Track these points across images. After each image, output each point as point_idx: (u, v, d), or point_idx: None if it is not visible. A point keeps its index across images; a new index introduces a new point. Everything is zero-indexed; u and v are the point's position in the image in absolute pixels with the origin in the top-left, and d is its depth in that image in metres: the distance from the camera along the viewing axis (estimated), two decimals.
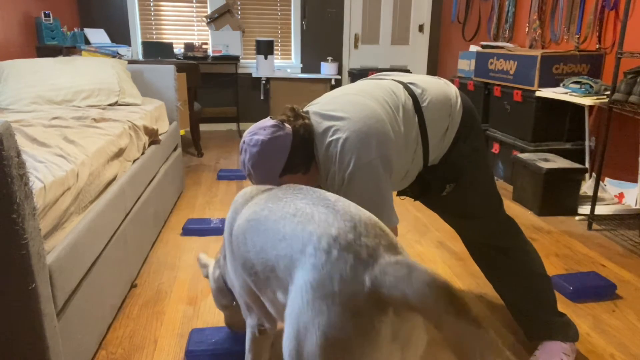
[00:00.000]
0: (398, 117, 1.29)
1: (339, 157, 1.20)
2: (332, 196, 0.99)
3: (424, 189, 1.44)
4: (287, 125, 1.24)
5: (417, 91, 1.35)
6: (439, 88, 1.38)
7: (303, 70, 5.20)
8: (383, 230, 0.89)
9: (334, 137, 1.22)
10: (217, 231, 2.42)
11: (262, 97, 5.18)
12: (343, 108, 1.26)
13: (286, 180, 1.24)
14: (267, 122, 1.25)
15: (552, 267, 2.13)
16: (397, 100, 1.31)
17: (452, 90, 1.41)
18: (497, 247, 1.54)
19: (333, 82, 5.03)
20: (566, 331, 1.49)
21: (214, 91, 5.06)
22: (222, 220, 2.51)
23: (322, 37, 5.17)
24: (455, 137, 1.37)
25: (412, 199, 1.54)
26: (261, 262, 0.97)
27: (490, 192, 1.53)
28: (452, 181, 1.41)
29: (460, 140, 1.38)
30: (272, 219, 0.98)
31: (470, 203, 1.48)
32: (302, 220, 0.92)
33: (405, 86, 1.36)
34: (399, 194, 1.52)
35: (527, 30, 3.78)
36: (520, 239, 1.55)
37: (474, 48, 4.07)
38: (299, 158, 1.23)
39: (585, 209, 2.72)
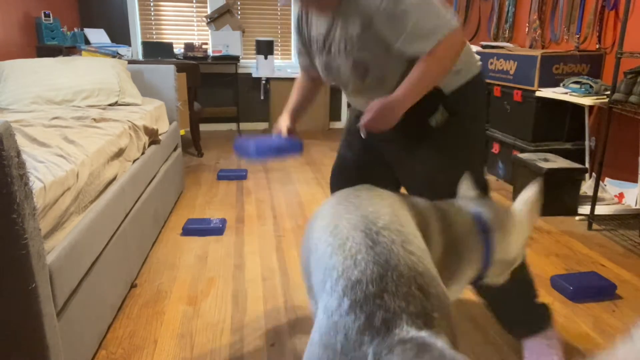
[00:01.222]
0: None
1: None
2: (383, 218, 0.82)
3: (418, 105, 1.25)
4: None
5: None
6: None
7: None
8: (422, 291, 0.71)
9: None
10: (217, 231, 2.42)
11: (262, 97, 5.18)
12: None
13: None
14: None
15: (552, 267, 2.13)
16: None
17: (476, 55, 1.39)
18: None
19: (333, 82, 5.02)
20: (541, 322, 1.44)
21: (214, 91, 5.06)
22: (222, 220, 2.51)
23: None
24: (469, 86, 1.31)
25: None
26: (305, 273, 0.91)
27: (475, 169, 1.35)
28: (447, 112, 1.29)
29: (470, 92, 1.31)
30: (317, 227, 0.87)
31: (449, 165, 1.32)
32: (333, 244, 0.79)
33: None
34: None
35: (527, 30, 3.78)
36: None
37: (474, 48, 4.07)
38: None
39: (585, 209, 2.72)
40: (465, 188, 1.25)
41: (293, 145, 1.46)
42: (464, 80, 1.32)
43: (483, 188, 1.38)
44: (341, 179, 1.58)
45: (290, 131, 1.48)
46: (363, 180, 1.35)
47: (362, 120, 1.23)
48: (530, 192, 1.26)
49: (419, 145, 1.35)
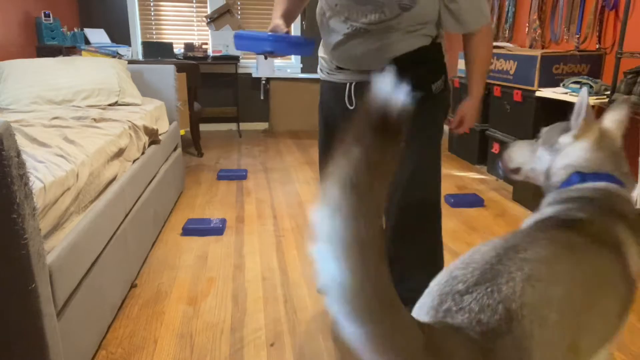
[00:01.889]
0: None
1: None
2: (529, 253, 0.74)
3: (427, 59, 1.34)
4: None
5: None
6: None
7: (303, 70, 5.20)
8: (508, 312, 0.65)
9: None
10: (217, 231, 2.42)
11: (262, 97, 5.18)
12: None
13: None
14: None
15: None
16: None
17: None
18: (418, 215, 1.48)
19: None
20: None
21: (214, 91, 5.06)
22: (222, 220, 2.51)
23: None
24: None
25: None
26: None
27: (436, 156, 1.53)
28: (444, 83, 1.38)
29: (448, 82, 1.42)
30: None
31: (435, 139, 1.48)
32: (466, 255, 0.77)
33: None
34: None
35: (527, 30, 3.78)
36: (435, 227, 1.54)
37: None
38: None
39: None
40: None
41: (308, 42, 1.40)
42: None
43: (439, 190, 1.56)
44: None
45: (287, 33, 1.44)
46: None
47: (458, 128, 1.49)
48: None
49: (417, 116, 1.34)
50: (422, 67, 1.32)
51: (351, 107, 1.42)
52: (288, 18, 1.49)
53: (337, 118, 1.50)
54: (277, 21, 1.42)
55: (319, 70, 1.55)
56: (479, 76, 1.40)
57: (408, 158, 1.40)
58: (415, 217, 1.48)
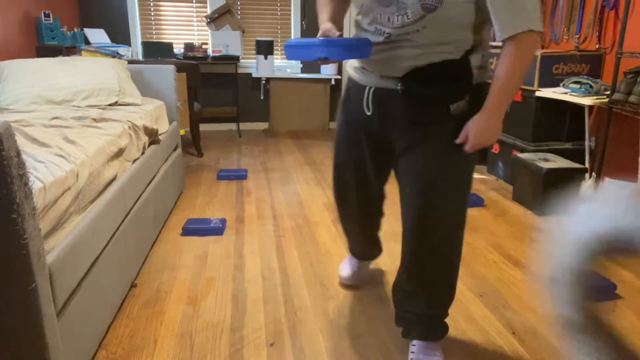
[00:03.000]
0: None
1: None
2: None
3: (443, 81, 1.23)
4: None
5: None
6: None
7: (303, 70, 5.20)
8: None
9: None
10: (217, 231, 2.42)
11: (262, 97, 5.18)
12: None
13: None
14: None
15: None
16: None
17: None
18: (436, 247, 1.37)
19: (333, 82, 5.03)
20: (443, 331, 1.50)
21: (214, 91, 5.06)
22: (222, 220, 2.51)
23: None
24: (485, 84, 1.27)
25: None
26: None
27: (467, 183, 1.34)
28: (467, 103, 1.23)
29: (485, 91, 1.25)
30: None
31: (455, 162, 1.28)
32: None
33: None
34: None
35: None
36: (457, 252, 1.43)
37: None
38: None
39: None
40: None
41: (365, 43, 1.27)
42: (486, 78, 1.29)
43: (468, 189, 1.35)
44: (353, 173, 1.53)
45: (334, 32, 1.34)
46: (363, 177, 1.46)
47: (464, 144, 1.23)
48: None
49: (435, 137, 1.28)
50: (441, 83, 1.23)
51: (368, 113, 1.37)
52: (336, 20, 1.42)
53: (357, 118, 1.43)
54: (327, 25, 1.34)
55: (348, 66, 1.49)
56: (497, 87, 1.20)
57: (424, 198, 1.29)
58: (430, 269, 1.40)
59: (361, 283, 1.95)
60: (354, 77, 1.43)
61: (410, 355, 1.47)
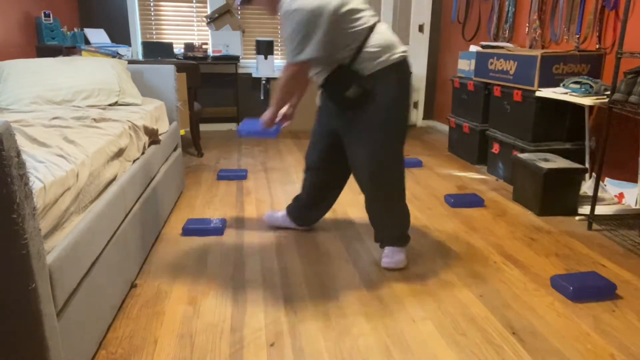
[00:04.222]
0: (354, 15, 1.79)
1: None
2: None
3: (335, 82, 1.85)
4: None
5: (379, 25, 1.87)
6: (396, 40, 1.87)
7: None
8: None
9: None
10: (217, 231, 2.42)
11: (262, 97, 5.17)
12: None
13: None
14: None
15: (552, 267, 2.13)
16: (365, 10, 1.83)
17: (401, 48, 1.86)
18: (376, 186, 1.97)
19: None
20: (405, 241, 2.10)
21: (214, 91, 5.06)
22: (222, 220, 2.51)
23: None
24: (386, 71, 1.80)
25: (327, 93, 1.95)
26: None
27: (391, 122, 1.85)
28: (360, 88, 1.79)
29: (391, 79, 1.80)
30: None
31: (369, 119, 1.85)
32: None
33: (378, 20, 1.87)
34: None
35: (527, 30, 3.78)
36: (398, 190, 1.99)
37: (474, 48, 4.07)
38: None
39: (585, 209, 2.72)
40: None
41: (273, 131, 2.14)
42: (381, 66, 1.80)
43: (399, 164, 1.92)
44: (315, 149, 2.19)
45: (287, 116, 2.21)
46: (330, 147, 2.13)
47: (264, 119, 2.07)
48: None
49: (354, 129, 1.88)
50: (333, 82, 1.88)
51: (318, 104, 2.17)
52: (292, 102, 2.21)
53: (320, 108, 2.19)
54: (284, 110, 2.19)
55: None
56: (276, 95, 1.93)
57: (363, 144, 1.89)
58: (380, 187, 1.96)
59: (277, 229, 2.49)
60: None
61: (383, 255, 2.11)
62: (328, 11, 1.72)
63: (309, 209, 2.37)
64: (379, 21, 1.88)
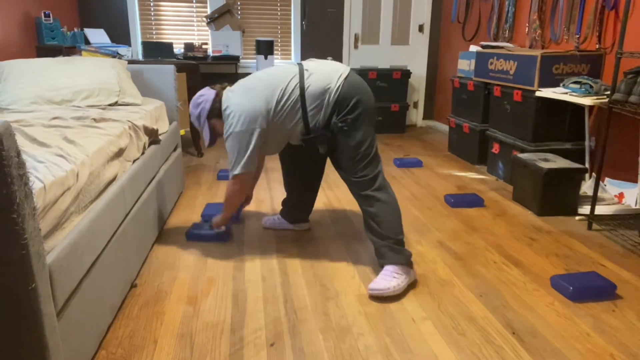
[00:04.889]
0: (284, 99, 1.92)
1: (226, 122, 1.97)
2: None
3: (307, 147, 2.07)
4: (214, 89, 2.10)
5: (306, 76, 1.93)
6: (324, 75, 1.92)
7: None
8: None
9: (227, 109, 1.97)
10: (223, 236, 2.41)
11: None
12: (241, 91, 1.97)
13: (213, 122, 2.08)
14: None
15: (552, 267, 2.13)
16: (288, 85, 1.93)
17: (336, 78, 1.92)
18: (362, 193, 2.00)
19: None
20: (398, 257, 1.94)
21: None
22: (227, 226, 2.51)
23: (322, 37, 5.18)
24: (331, 113, 1.91)
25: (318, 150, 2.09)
26: None
27: (360, 154, 1.94)
28: (323, 143, 1.95)
29: (334, 115, 1.91)
30: None
31: (343, 159, 1.97)
32: None
33: (301, 72, 1.94)
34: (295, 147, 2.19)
35: (527, 30, 3.78)
36: (380, 192, 1.98)
37: (474, 48, 4.07)
38: (216, 110, 2.06)
39: (585, 209, 2.72)
40: None
41: (222, 236, 2.35)
42: (330, 109, 1.91)
43: (374, 165, 1.97)
44: (296, 172, 2.35)
45: (247, 198, 2.53)
46: (310, 163, 2.31)
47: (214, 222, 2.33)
48: None
49: (333, 151, 2.01)
50: (307, 149, 2.20)
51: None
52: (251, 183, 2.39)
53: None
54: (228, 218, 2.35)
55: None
56: (224, 203, 2.19)
57: (338, 160, 2.01)
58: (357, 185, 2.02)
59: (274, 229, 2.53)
60: None
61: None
62: (258, 129, 1.93)
63: (297, 205, 2.44)
64: (303, 68, 1.96)
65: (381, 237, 1.95)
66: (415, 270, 2.04)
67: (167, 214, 2.62)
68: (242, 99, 1.94)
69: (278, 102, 1.92)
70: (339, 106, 1.90)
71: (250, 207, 2.82)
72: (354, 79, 1.94)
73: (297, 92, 1.92)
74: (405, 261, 1.93)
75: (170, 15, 4.86)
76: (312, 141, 1.98)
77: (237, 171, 1.98)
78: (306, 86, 1.91)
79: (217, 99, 2.05)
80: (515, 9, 3.93)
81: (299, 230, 2.50)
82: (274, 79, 1.95)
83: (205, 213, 2.57)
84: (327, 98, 1.90)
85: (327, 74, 1.93)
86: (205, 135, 2.10)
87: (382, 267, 1.97)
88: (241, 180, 2.01)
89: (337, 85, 1.91)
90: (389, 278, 1.89)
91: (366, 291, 1.91)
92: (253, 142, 1.93)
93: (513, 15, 3.95)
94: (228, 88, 2.07)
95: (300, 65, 1.99)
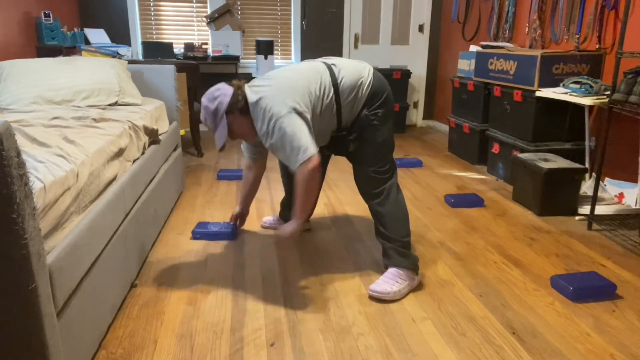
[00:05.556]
0: (320, 92, 1.80)
1: (266, 113, 1.73)
2: None
3: (335, 145, 1.97)
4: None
5: (336, 71, 1.85)
6: (353, 69, 1.87)
7: None
8: None
9: (262, 100, 1.75)
10: (228, 235, 2.41)
11: None
12: (272, 82, 1.80)
13: (231, 118, 1.83)
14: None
15: (552, 267, 2.13)
16: (322, 79, 1.82)
17: (366, 72, 1.88)
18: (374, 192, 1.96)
19: None
20: (403, 260, 1.91)
21: None
22: (227, 224, 2.51)
23: (322, 37, 5.18)
24: (362, 107, 1.86)
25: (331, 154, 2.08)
26: None
27: (385, 149, 1.92)
28: (354, 140, 1.89)
29: (365, 109, 1.86)
30: None
31: (367, 153, 1.91)
32: None
33: (329, 67, 1.86)
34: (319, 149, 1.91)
35: (527, 30, 3.78)
36: (393, 190, 1.96)
37: (474, 48, 4.07)
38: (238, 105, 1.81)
39: (585, 209, 2.72)
40: None
41: (230, 233, 2.37)
42: (359, 107, 1.87)
43: (391, 164, 1.95)
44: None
45: (243, 216, 2.39)
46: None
47: (279, 233, 1.86)
48: None
49: (353, 153, 1.95)
50: (335, 147, 1.99)
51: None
52: (247, 200, 2.36)
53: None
54: (238, 208, 2.39)
55: None
56: (296, 201, 1.79)
57: (360, 155, 1.94)
58: (370, 185, 1.98)
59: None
60: None
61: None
62: (305, 109, 1.76)
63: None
64: (328, 64, 1.88)
65: (388, 238, 1.92)
66: (420, 276, 2.01)
67: (167, 214, 2.62)
68: (277, 88, 1.76)
69: (316, 96, 1.80)
70: (370, 100, 1.86)
71: (250, 207, 2.82)
72: (378, 75, 1.92)
73: (330, 87, 1.83)
74: (410, 266, 1.91)
75: (170, 15, 4.86)
76: (342, 139, 1.91)
77: (307, 153, 1.68)
78: (339, 80, 1.83)
79: (239, 93, 1.81)
80: (515, 9, 3.93)
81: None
82: (305, 72, 1.83)
83: (198, 230, 2.42)
84: (360, 92, 1.85)
85: (355, 68, 1.87)
86: (219, 134, 1.83)
87: (386, 268, 1.95)
88: (314, 162, 1.69)
89: (369, 79, 1.86)
90: (392, 282, 1.87)
91: (366, 291, 1.91)
92: (306, 119, 1.73)
93: (513, 15, 3.95)
94: (247, 84, 1.89)
95: (323, 62, 1.90)
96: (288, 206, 2.45)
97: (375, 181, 1.94)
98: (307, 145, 1.68)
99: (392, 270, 1.91)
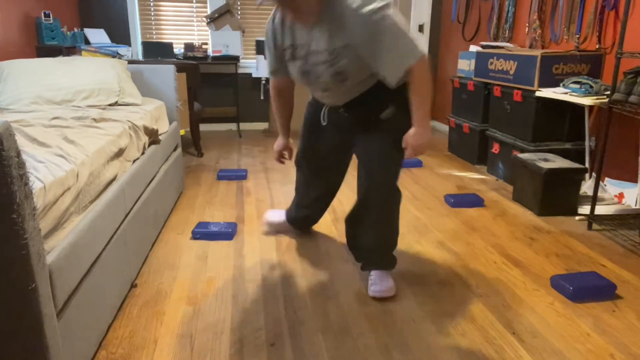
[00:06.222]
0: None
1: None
2: None
3: (367, 102, 1.77)
4: None
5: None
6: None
7: None
8: None
9: None
10: (227, 235, 2.41)
11: (262, 97, 5.18)
12: None
13: None
14: None
15: (552, 267, 2.13)
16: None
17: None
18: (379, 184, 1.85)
19: None
20: (394, 263, 1.97)
21: (214, 91, 5.06)
22: (233, 225, 2.51)
23: None
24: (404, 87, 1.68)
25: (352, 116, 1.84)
26: None
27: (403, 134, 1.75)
28: (394, 109, 1.74)
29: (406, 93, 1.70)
30: None
31: (395, 127, 1.76)
32: None
33: None
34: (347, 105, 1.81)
35: (527, 30, 3.78)
36: (398, 191, 1.90)
37: (474, 48, 4.07)
38: None
39: (585, 209, 2.72)
40: None
41: (228, 233, 2.36)
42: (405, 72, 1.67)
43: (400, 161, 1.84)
44: (314, 158, 2.13)
45: (289, 148, 2.22)
46: (331, 158, 2.08)
47: (408, 154, 1.70)
48: None
49: (376, 130, 1.79)
50: (368, 104, 1.77)
51: (324, 123, 1.98)
52: (287, 126, 2.21)
53: (315, 122, 2.03)
54: (280, 143, 2.22)
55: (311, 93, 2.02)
56: (416, 107, 1.66)
57: (374, 150, 1.81)
58: (376, 195, 1.87)
59: (277, 234, 2.46)
60: (314, 100, 2.03)
61: (370, 281, 1.91)
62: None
63: (304, 220, 2.39)
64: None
65: (377, 243, 1.93)
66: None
67: (167, 214, 2.62)
68: None
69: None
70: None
71: (251, 207, 2.82)
72: None
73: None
74: (392, 267, 1.98)
75: (170, 15, 4.86)
76: (379, 97, 1.71)
77: (421, 51, 1.55)
78: None
79: None
80: (515, 9, 3.93)
81: (298, 231, 2.50)
82: None
83: (197, 230, 2.42)
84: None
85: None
86: None
87: (368, 271, 1.98)
88: (426, 61, 1.56)
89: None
90: (386, 278, 1.91)
91: (366, 291, 1.91)
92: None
93: (513, 15, 3.95)
94: None
95: None
96: (296, 219, 2.37)
97: (389, 173, 1.81)
98: (418, 41, 1.52)
99: (376, 272, 1.94)
